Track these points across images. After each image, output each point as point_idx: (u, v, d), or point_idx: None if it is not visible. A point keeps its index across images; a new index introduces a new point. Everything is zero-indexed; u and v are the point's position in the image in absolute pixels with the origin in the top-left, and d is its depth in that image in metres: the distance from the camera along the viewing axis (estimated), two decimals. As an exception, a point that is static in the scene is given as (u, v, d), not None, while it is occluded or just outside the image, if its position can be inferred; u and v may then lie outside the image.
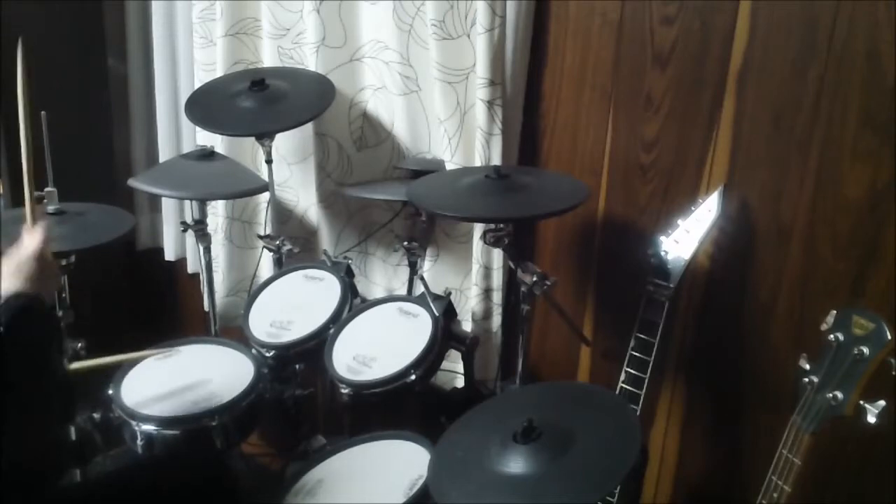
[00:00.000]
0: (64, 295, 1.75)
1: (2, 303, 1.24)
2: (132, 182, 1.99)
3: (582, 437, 1.17)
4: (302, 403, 1.99)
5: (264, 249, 2.16)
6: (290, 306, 1.86)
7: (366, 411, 1.67)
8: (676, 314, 1.67)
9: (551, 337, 1.95)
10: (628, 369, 1.50)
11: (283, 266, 2.04)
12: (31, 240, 1.35)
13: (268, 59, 2.14)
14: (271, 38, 2.11)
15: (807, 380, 1.21)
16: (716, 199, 1.51)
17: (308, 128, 2.06)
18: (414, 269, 2.00)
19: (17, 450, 1.19)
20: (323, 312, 1.79)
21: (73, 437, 1.71)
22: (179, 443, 1.60)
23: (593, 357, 1.88)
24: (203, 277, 2.22)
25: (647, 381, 1.48)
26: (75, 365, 1.66)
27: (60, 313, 1.75)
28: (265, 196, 2.13)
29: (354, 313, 1.79)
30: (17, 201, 1.94)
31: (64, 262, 1.70)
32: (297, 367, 1.96)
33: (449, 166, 1.88)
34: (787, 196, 1.50)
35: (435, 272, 2.02)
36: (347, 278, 1.88)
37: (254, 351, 1.78)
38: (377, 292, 2.18)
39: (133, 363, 1.74)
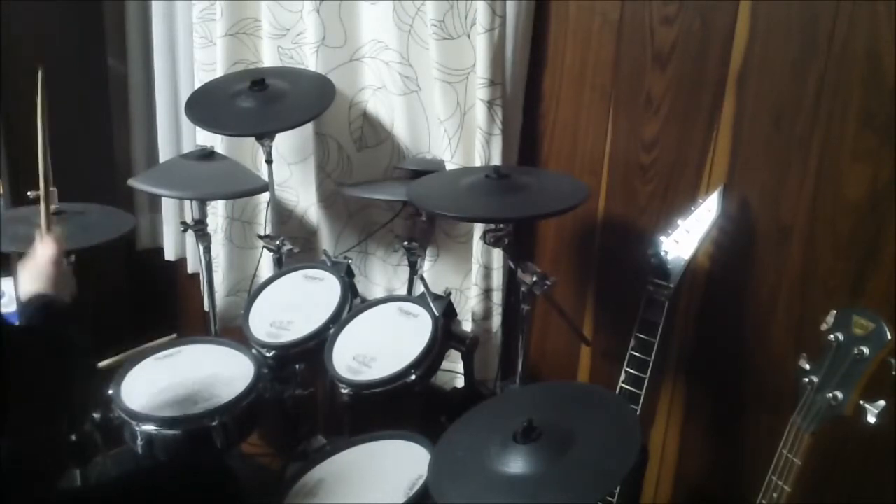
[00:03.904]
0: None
1: (24, 303, 1.34)
2: (132, 182, 1.99)
3: (582, 437, 1.17)
4: (302, 403, 1.99)
5: (264, 249, 2.16)
6: (290, 306, 1.86)
7: (366, 411, 1.67)
8: (676, 314, 1.67)
9: (551, 337, 1.95)
10: (628, 369, 1.50)
11: (283, 266, 2.04)
12: (45, 247, 1.43)
13: (268, 59, 2.14)
14: (271, 38, 2.11)
15: (807, 380, 1.21)
16: (716, 199, 1.51)
17: (308, 128, 2.06)
18: (414, 269, 2.00)
19: (26, 446, 1.22)
20: (323, 312, 1.79)
21: (73, 437, 1.71)
22: (179, 443, 1.60)
23: (593, 357, 1.88)
24: (203, 277, 2.22)
25: (647, 381, 1.48)
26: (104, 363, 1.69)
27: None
28: (265, 196, 2.13)
29: (354, 313, 1.79)
30: (18, 201, 1.95)
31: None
32: (297, 367, 1.96)
33: (449, 166, 1.88)
34: (787, 196, 1.50)
35: (435, 272, 2.02)
36: (347, 278, 1.88)
37: (254, 351, 1.78)
38: (377, 292, 2.18)
39: (134, 363, 1.75)
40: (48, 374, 1.27)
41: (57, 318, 1.36)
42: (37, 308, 1.34)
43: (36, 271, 1.40)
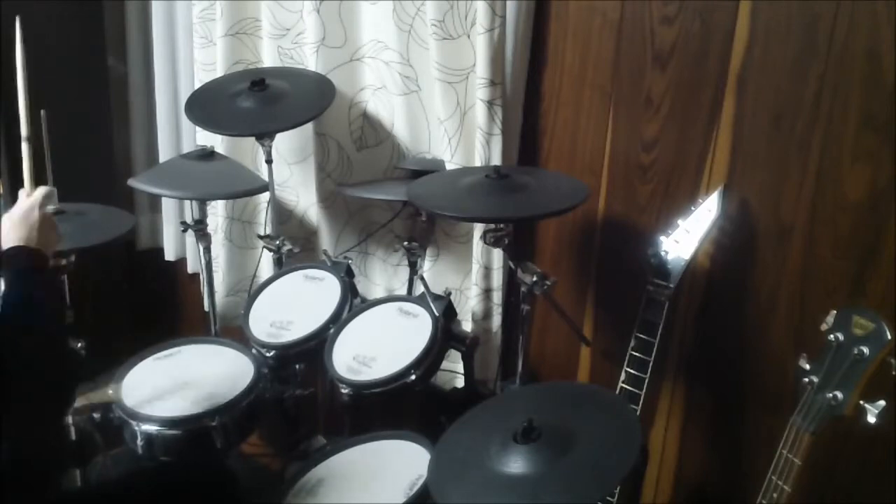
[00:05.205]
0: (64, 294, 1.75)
1: (3, 254, 1.27)
2: (132, 182, 1.99)
3: (582, 437, 1.17)
4: (302, 403, 1.99)
5: (264, 249, 2.16)
6: (290, 306, 1.86)
7: (366, 411, 1.67)
8: (676, 314, 1.67)
9: (551, 337, 1.95)
10: (628, 369, 1.50)
11: (283, 266, 2.04)
12: (27, 197, 1.38)
13: (268, 59, 2.14)
14: (271, 38, 2.11)
15: (807, 380, 1.21)
16: (716, 199, 1.51)
17: (308, 128, 2.06)
18: (414, 269, 2.00)
19: (25, 445, 1.19)
20: (323, 312, 1.79)
21: (73, 437, 1.71)
22: (179, 443, 1.60)
23: (593, 357, 1.88)
24: (203, 277, 2.22)
25: (647, 381, 1.48)
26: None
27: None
28: (265, 196, 2.13)
29: (354, 313, 1.79)
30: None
31: (63, 262, 1.70)
32: (297, 367, 1.96)
33: (449, 166, 1.88)
34: (787, 196, 1.50)
35: (435, 272, 2.02)
36: (347, 278, 1.88)
37: (254, 351, 1.78)
38: (377, 292, 2.18)
39: (134, 363, 1.75)
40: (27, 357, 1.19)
41: (35, 276, 1.29)
42: (15, 262, 1.27)
43: (19, 217, 1.33)
